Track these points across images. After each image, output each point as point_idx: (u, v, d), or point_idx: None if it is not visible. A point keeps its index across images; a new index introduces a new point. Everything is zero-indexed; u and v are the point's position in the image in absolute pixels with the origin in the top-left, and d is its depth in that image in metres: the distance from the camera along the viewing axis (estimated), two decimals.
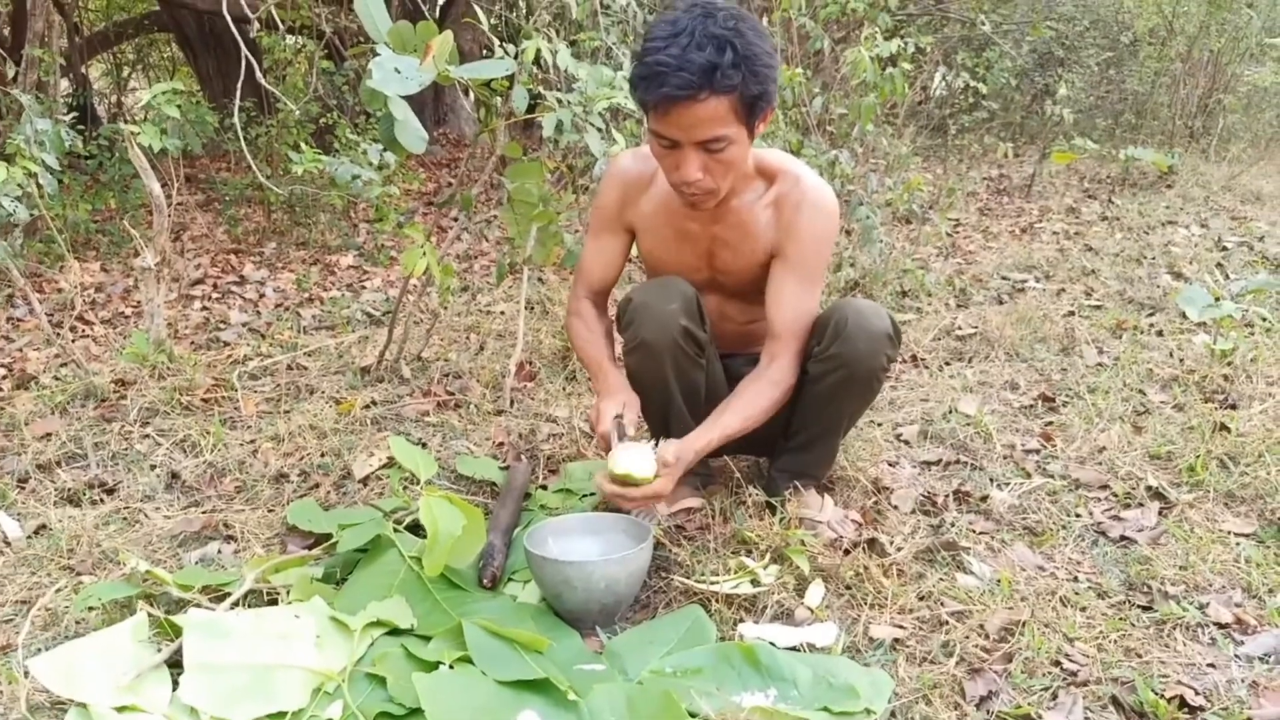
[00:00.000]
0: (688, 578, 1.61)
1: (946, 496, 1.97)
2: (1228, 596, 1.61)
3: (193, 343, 3.13)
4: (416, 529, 1.80)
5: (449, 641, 1.42)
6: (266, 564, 1.58)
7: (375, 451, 2.20)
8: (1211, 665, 1.44)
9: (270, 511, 1.97)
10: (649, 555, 1.56)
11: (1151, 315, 3.37)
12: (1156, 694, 1.35)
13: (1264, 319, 3.08)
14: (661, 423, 1.80)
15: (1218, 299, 3.13)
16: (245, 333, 3.26)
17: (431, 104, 7.55)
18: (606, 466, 1.58)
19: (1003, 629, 1.51)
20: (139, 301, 3.64)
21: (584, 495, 2.00)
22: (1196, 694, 1.36)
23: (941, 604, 1.57)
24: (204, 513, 1.97)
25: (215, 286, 3.95)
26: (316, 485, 2.09)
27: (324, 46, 5.05)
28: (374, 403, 2.53)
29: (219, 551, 1.82)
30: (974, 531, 1.83)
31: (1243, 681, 1.40)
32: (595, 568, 1.47)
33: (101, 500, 2.01)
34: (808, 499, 1.85)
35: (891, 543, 1.73)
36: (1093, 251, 4.45)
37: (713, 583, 1.57)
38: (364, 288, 3.98)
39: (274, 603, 1.53)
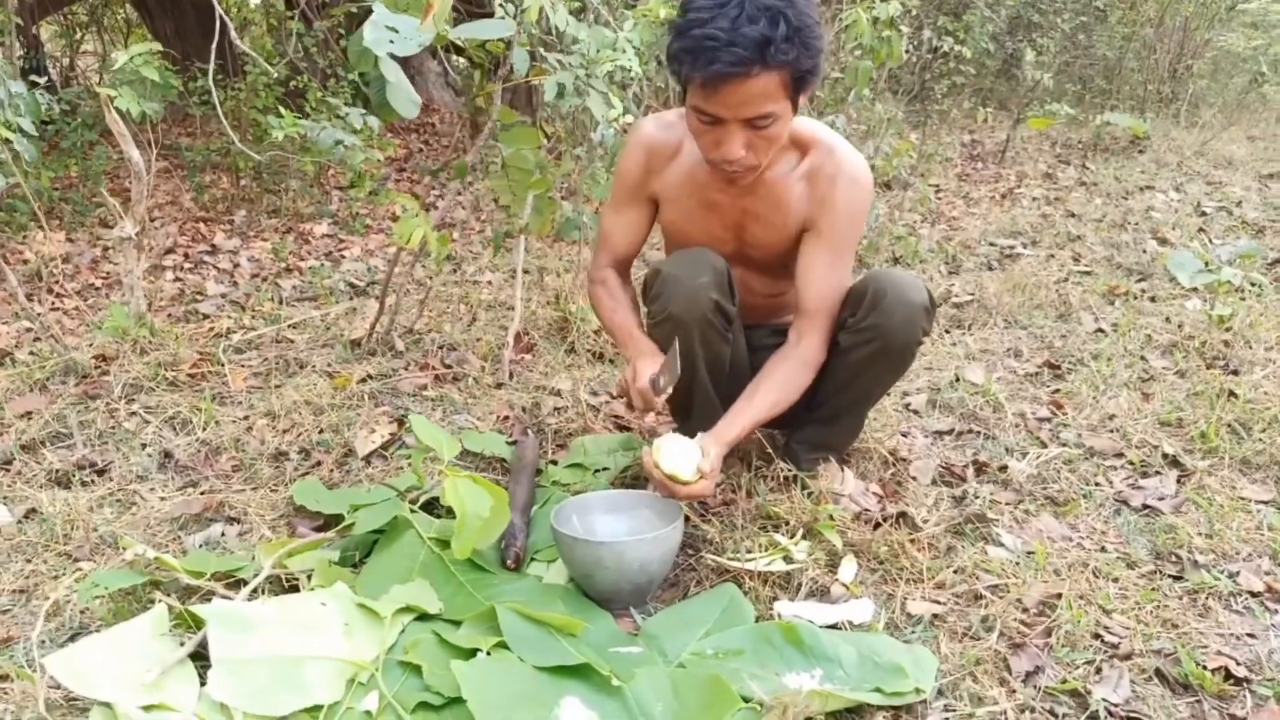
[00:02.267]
0: (719, 555, 1.57)
1: (965, 467, 1.95)
2: (1256, 565, 1.61)
3: (170, 315, 3.01)
4: (431, 508, 1.75)
5: (480, 626, 1.37)
6: (281, 549, 1.52)
7: (376, 427, 2.13)
8: (1251, 635, 1.43)
9: (273, 491, 1.89)
10: (680, 534, 1.52)
11: (1141, 281, 3.38)
12: (1200, 665, 1.34)
13: (1254, 284, 3.10)
14: (686, 395, 1.75)
15: (1208, 264, 3.15)
16: (225, 304, 3.14)
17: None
18: (652, 448, 1.53)
19: (1041, 602, 1.49)
20: (109, 272, 3.51)
21: (596, 470, 1.95)
22: (1239, 664, 1.36)
23: (977, 578, 1.55)
24: (203, 493, 1.89)
25: (187, 256, 3.81)
26: (318, 463, 2.02)
27: (290, 7, 4.87)
28: (369, 376, 2.45)
29: (222, 534, 1.75)
30: (996, 502, 1.81)
31: None
32: (629, 547, 1.42)
33: (93, 482, 1.92)
34: (829, 472, 1.82)
35: (921, 517, 1.70)
36: (1075, 217, 4.46)
37: (745, 560, 1.53)
38: (343, 257, 3.87)
39: (292, 589, 1.47)
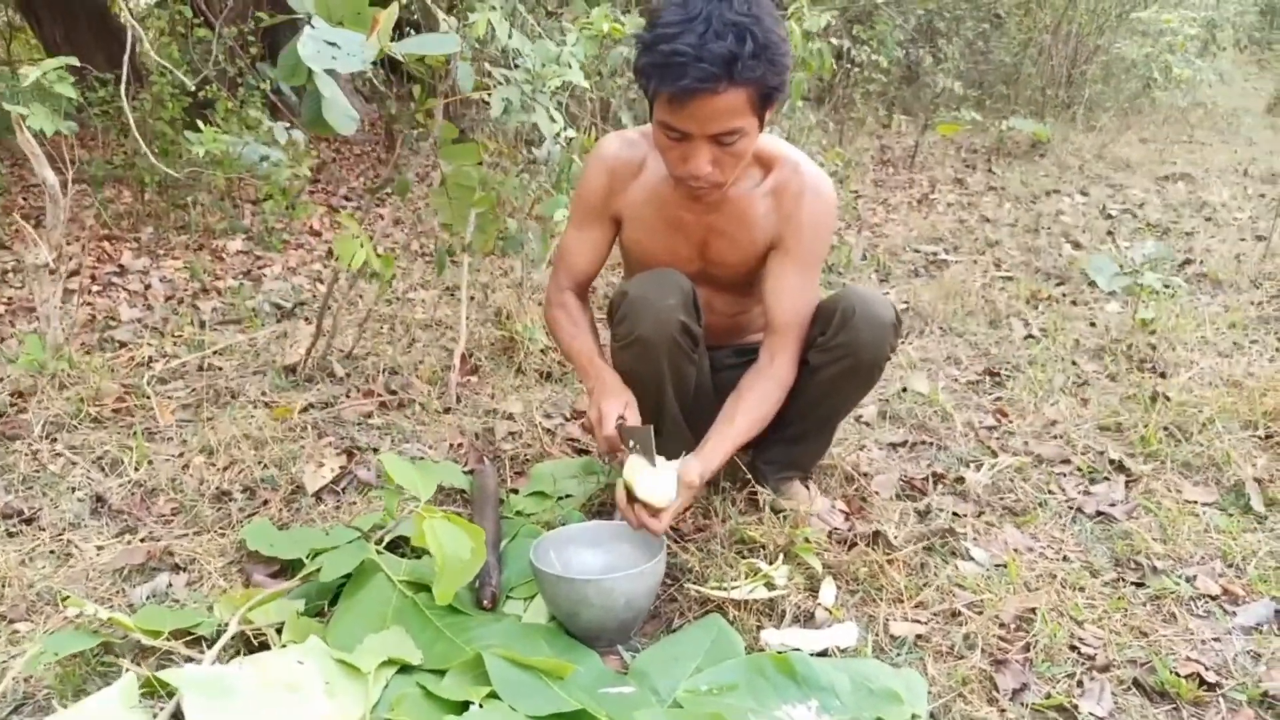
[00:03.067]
0: (700, 585, 1.55)
1: (925, 480, 1.98)
2: (1210, 568, 1.67)
3: (84, 344, 2.84)
4: (395, 548, 1.68)
5: (465, 675, 1.32)
6: (243, 603, 1.44)
7: (324, 461, 2.04)
8: (1216, 640, 1.48)
9: (221, 535, 1.80)
10: (664, 566, 1.49)
11: (1060, 285, 3.50)
12: (1174, 673, 1.38)
13: (1166, 286, 3.24)
14: (653, 419, 1.72)
15: (1123, 268, 3.28)
16: (142, 330, 2.98)
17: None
18: (623, 480, 1.50)
19: (1017, 617, 1.52)
20: (10, 298, 3.30)
21: (560, 498, 1.91)
22: (1208, 669, 1.40)
23: (953, 595, 1.57)
24: (143, 540, 1.78)
25: (94, 278, 3.61)
26: (265, 502, 1.92)
27: (197, 14, 4.68)
28: (310, 406, 2.35)
29: (169, 585, 1.65)
30: (959, 515, 1.84)
31: (1246, 653, 1.45)
32: (616, 584, 1.39)
33: (20, 532, 1.79)
34: (795, 491, 1.82)
35: (892, 534, 1.71)
36: (990, 222, 4.60)
37: (728, 588, 1.52)
38: (263, 276, 3.72)
39: (260, 645, 1.39)
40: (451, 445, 2.18)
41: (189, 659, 1.36)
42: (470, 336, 2.72)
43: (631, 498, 1.49)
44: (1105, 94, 7.42)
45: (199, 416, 2.30)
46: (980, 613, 1.52)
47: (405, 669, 1.33)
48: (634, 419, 1.61)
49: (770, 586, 1.52)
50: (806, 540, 1.63)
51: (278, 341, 2.82)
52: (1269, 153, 6.55)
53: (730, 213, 1.67)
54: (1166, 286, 2.88)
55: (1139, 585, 1.63)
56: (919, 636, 1.47)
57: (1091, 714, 1.31)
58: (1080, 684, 1.38)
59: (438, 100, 2.32)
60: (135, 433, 2.15)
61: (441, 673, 1.33)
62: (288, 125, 2.93)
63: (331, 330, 2.61)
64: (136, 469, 2.02)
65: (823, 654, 1.42)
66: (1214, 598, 1.59)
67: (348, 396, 2.43)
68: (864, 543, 1.67)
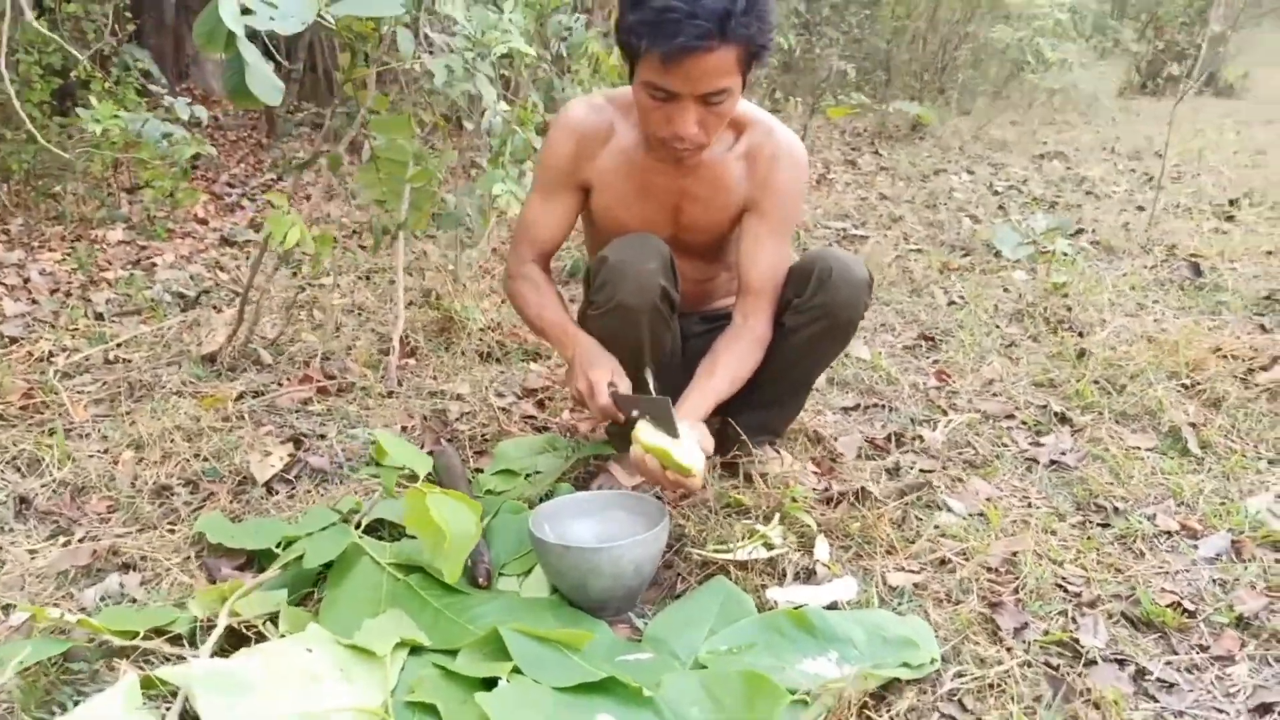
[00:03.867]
0: (699, 549, 1.53)
1: (886, 439, 2.02)
2: (1165, 506, 1.76)
3: None
4: (371, 531, 1.60)
5: (479, 653, 1.27)
6: (221, 597, 1.34)
7: (270, 450, 1.93)
8: (1184, 571, 1.56)
9: (170, 531, 1.67)
10: (668, 531, 1.47)
11: (966, 255, 3.64)
12: (1156, 604, 1.45)
13: (1064, 254, 3.41)
14: (633, 388, 1.69)
15: (1026, 238, 3.43)
16: (33, 324, 2.75)
17: (172, 56, 6.73)
18: (643, 447, 1.45)
19: (1004, 561, 1.56)
20: None
21: (528, 474, 1.86)
22: (1183, 599, 1.48)
23: (940, 544, 1.60)
24: (82, 541, 1.64)
25: None
26: (211, 495, 1.80)
27: None
28: (242, 394, 2.22)
29: (121, 585, 1.52)
30: (925, 471, 1.88)
31: (1213, 581, 1.53)
32: (624, 551, 1.36)
33: None
34: (768, 456, 1.83)
35: (878, 491, 1.73)
36: (889, 200, 4.74)
37: (728, 550, 1.50)
38: (154, 265, 3.49)
39: (249, 638, 1.30)
40: (404, 428, 2.09)
41: (171, 658, 1.25)
42: (409, 316, 2.62)
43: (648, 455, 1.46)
44: (976, 79, 7.76)
45: (116, 411, 2.14)
46: (968, 559, 1.55)
47: (414, 651, 1.27)
48: (624, 385, 1.58)
49: (769, 546, 1.52)
50: (794, 500, 1.63)
51: (190, 331, 2.65)
52: (1130, 132, 6.98)
53: (703, 177, 1.66)
54: (1079, 252, 3.03)
55: (1104, 526, 1.71)
56: (916, 585, 1.50)
57: (1093, 646, 1.35)
58: (1074, 620, 1.43)
59: (369, 69, 2.21)
60: (53, 430, 1.97)
61: (451, 653, 1.27)
62: (190, 101, 2.75)
63: (254, 317, 2.47)
64: (59, 468, 1.86)
65: (831, 608, 1.42)
66: (1174, 534, 1.67)
67: (280, 384, 2.30)
68: (848, 500, 1.69)
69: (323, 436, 2.05)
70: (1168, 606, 1.44)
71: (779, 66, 7.51)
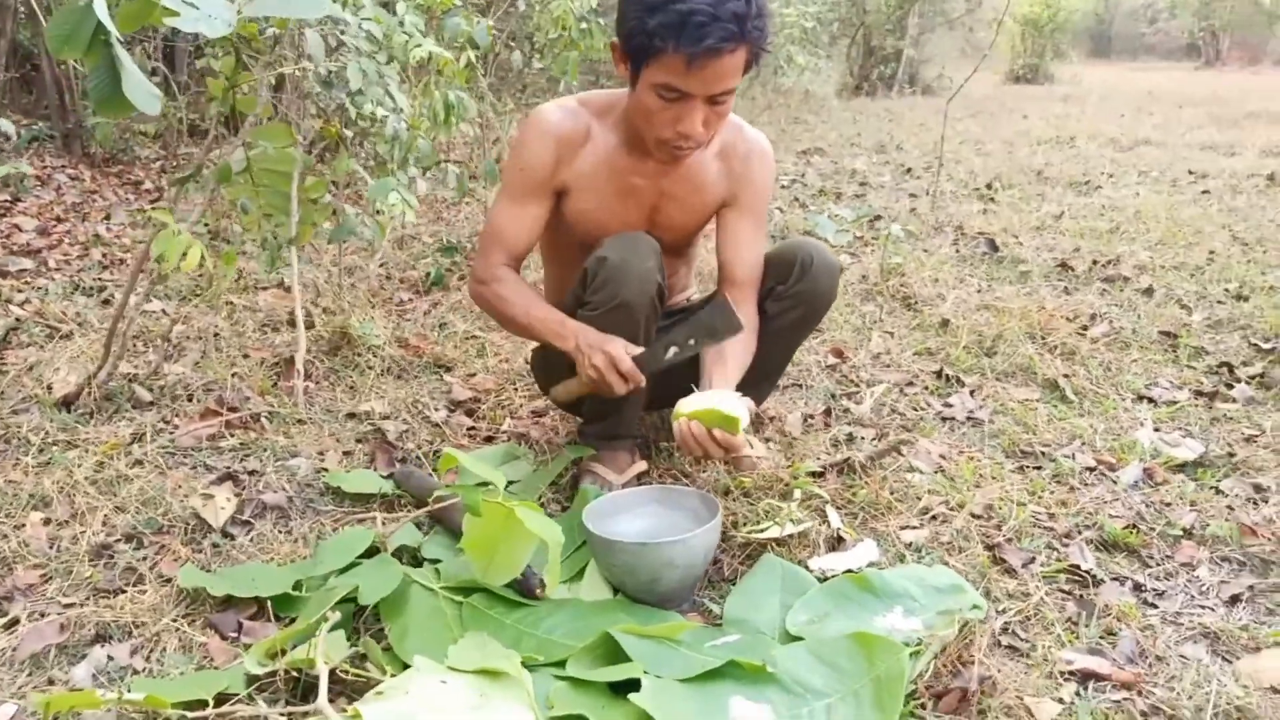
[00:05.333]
0: (738, 530, 1.57)
1: (825, 414, 2.15)
2: (1075, 446, 2.02)
3: None
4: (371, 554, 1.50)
5: (588, 660, 1.24)
6: (282, 645, 1.21)
7: (214, 492, 1.74)
8: (1116, 499, 1.81)
9: (141, 592, 1.47)
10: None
11: None
12: (1115, 529, 1.67)
13: (899, 237, 3.74)
14: None
15: (842, 225, 3.74)
16: None
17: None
18: (680, 414, 1.46)
19: (985, 507, 1.73)
20: None
21: (508, 484, 1.81)
22: (1130, 521, 1.72)
23: (928, 499, 1.74)
24: (31, 618, 1.41)
25: None
26: (163, 548, 1.60)
27: None
28: (136, 437, 1.97)
29: (111, 658, 1.33)
30: (862, 438, 2.03)
31: (1144, 504, 1.79)
32: (696, 540, 1.38)
33: None
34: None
35: (860, 459, 1.85)
36: None
37: (763, 530, 1.56)
38: None
39: (301, 688, 1.19)
40: (346, 454, 1.96)
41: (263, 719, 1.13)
42: (292, 338, 2.44)
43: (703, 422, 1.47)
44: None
45: None
46: (958, 510, 1.71)
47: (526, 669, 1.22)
48: (636, 351, 1.59)
49: (795, 521, 1.59)
50: (806, 476, 1.72)
51: (29, 373, 2.31)
52: (867, 128, 7.70)
53: (682, 176, 1.70)
54: (908, 235, 3.34)
55: (1038, 469, 1.93)
56: (927, 539, 1.63)
57: (1089, 571, 1.54)
58: (1058, 550, 1.62)
59: (257, 75, 2.04)
60: None
61: (561, 663, 1.24)
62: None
63: (121, 350, 2.19)
64: None
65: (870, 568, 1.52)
66: (1094, 469, 1.93)
67: (169, 422, 2.07)
68: (836, 471, 1.80)
69: (254, 472, 1.87)
70: (1124, 529, 1.67)
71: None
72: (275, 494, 1.77)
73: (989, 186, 4.99)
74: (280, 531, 1.67)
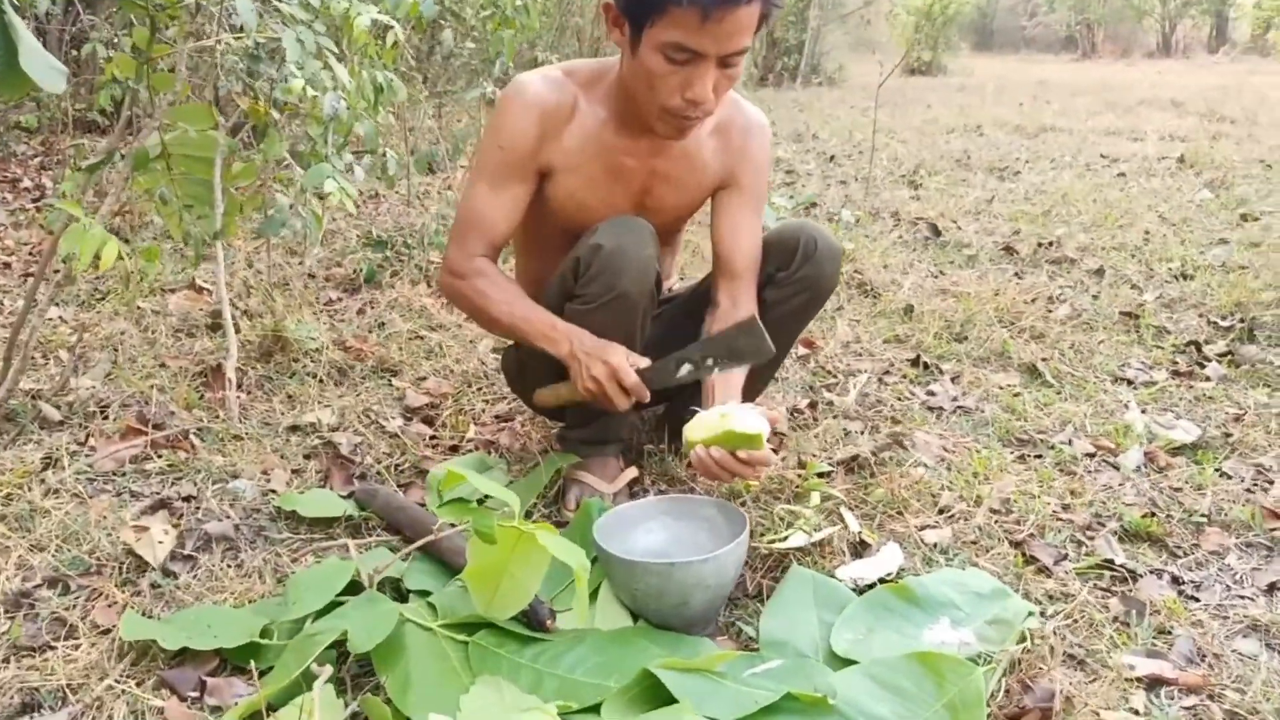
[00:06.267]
0: (758, 541, 1.43)
1: (810, 407, 2.04)
2: (1070, 434, 1.95)
3: None
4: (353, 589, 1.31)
5: (625, 700, 1.08)
6: (259, 706, 1.02)
7: (148, 524, 1.51)
8: (1120, 485, 1.74)
9: (74, 649, 1.25)
10: None
11: None
12: (1135, 518, 1.60)
13: (850, 223, 3.68)
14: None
15: (781, 214, 3.66)
16: None
17: None
18: (692, 441, 1.32)
19: (1002, 501, 1.64)
20: None
21: (479, 500, 1.64)
22: (1146, 509, 1.65)
23: (941, 495, 1.64)
24: None
25: None
26: (95, 592, 1.37)
27: None
28: (49, 463, 1.72)
29: None
30: (853, 432, 1.92)
31: (1155, 488, 1.72)
32: (728, 556, 1.23)
33: None
34: None
35: (863, 457, 1.74)
36: None
37: (784, 539, 1.43)
38: None
39: None
40: (295, 473, 1.74)
41: None
42: (223, 343, 2.19)
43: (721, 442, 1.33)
44: None
45: None
46: (973, 505, 1.61)
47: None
48: (641, 363, 1.44)
49: (816, 528, 1.46)
50: (818, 476, 1.59)
51: None
52: (782, 118, 7.67)
53: (676, 155, 1.55)
54: (857, 222, 3.26)
55: (1039, 457, 1.85)
56: (952, 538, 1.52)
57: (1123, 565, 1.46)
58: (1081, 543, 1.54)
59: (178, 46, 1.80)
60: None
61: (594, 709, 1.08)
62: None
63: (21, 364, 1.92)
64: None
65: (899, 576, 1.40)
66: (1093, 455, 1.86)
67: (84, 444, 1.81)
68: (844, 469, 1.68)
69: (191, 498, 1.65)
70: (1143, 518, 1.60)
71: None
72: (219, 522, 1.55)
73: (915, 173, 4.99)
74: (230, 565, 1.46)
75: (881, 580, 1.39)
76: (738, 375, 1.52)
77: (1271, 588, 1.43)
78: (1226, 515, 1.61)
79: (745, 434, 1.29)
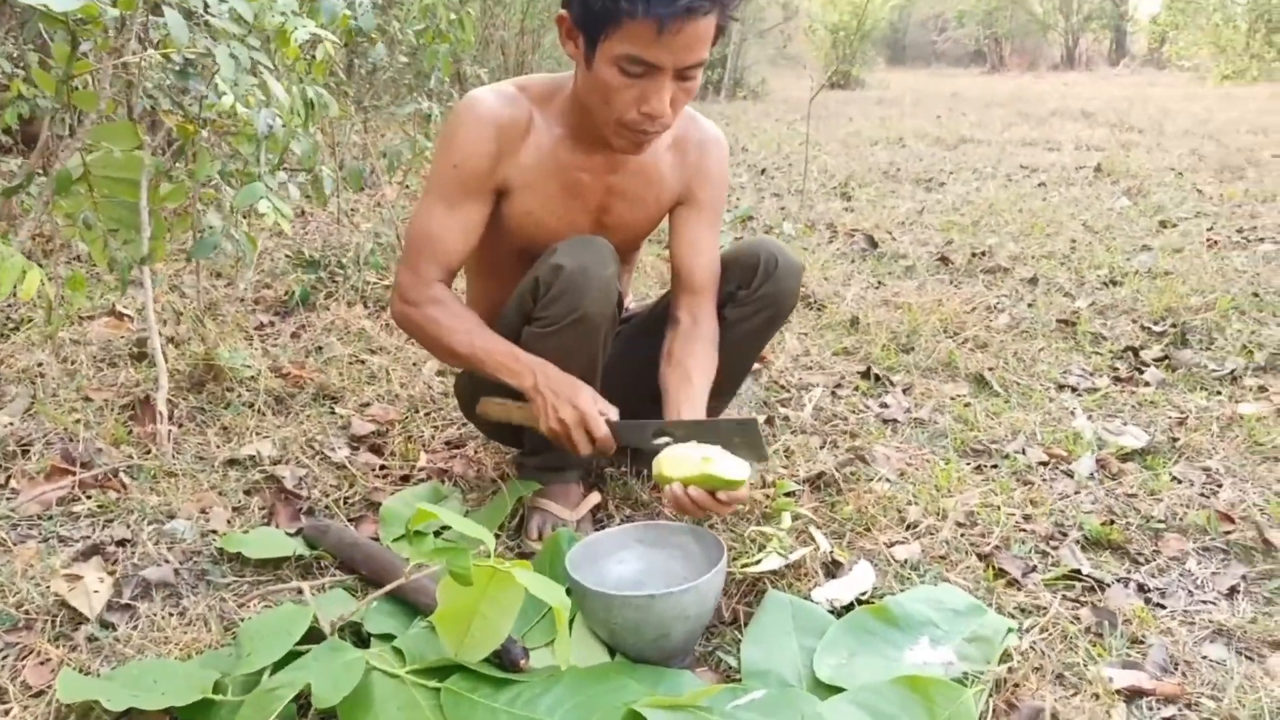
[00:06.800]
0: (731, 566, 1.40)
1: (766, 423, 2.02)
2: (1023, 442, 1.96)
3: None
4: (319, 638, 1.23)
5: None
6: None
7: (80, 571, 1.41)
8: (1076, 494, 1.76)
9: (4, 715, 1.15)
10: None
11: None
12: (1094, 526, 1.61)
13: (790, 235, 3.68)
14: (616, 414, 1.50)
15: (725, 224, 3.66)
16: None
17: None
18: (672, 479, 1.28)
19: (966, 514, 1.64)
20: None
21: (437, 532, 1.58)
22: (1104, 516, 1.66)
23: (908, 511, 1.63)
24: None
25: None
26: (25, 649, 1.27)
27: None
28: None
29: None
30: (804, 447, 1.91)
31: (1110, 495, 1.74)
32: (708, 584, 1.20)
33: None
34: None
35: (830, 473, 1.72)
36: None
37: (758, 562, 1.40)
38: None
39: None
40: (237, 511, 1.65)
41: None
42: (151, 373, 2.08)
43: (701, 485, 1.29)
44: None
45: None
46: (943, 519, 1.61)
47: None
48: (612, 413, 1.40)
49: (788, 550, 1.44)
50: (786, 496, 1.57)
51: None
52: None
53: (633, 171, 1.52)
54: (801, 233, 3.27)
55: (994, 467, 1.86)
56: (922, 553, 1.51)
57: (1089, 575, 1.47)
58: (1046, 553, 1.54)
59: (100, 63, 1.71)
60: None
61: None
62: None
63: None
64: None
65: (873, 598, 1.38)
66: (1046, 463, 1.88)
67: (3, 485, 1.69)
68: (810, 487, 1.66)
69: (126, 542, 1.55)
70: (1103, 525, 1.61)
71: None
72: (158, 567, 1.46)
73: (846, 185, 5.05)
74: (172, 614, 1.37)
75: (858, 600, 1.38)
76: (701, 389, 1.49)
77: (1232, 591, 1.45)
78: (1182, 520, 1.64)
79: (727, 480, 1.26)
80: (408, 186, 3.85)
